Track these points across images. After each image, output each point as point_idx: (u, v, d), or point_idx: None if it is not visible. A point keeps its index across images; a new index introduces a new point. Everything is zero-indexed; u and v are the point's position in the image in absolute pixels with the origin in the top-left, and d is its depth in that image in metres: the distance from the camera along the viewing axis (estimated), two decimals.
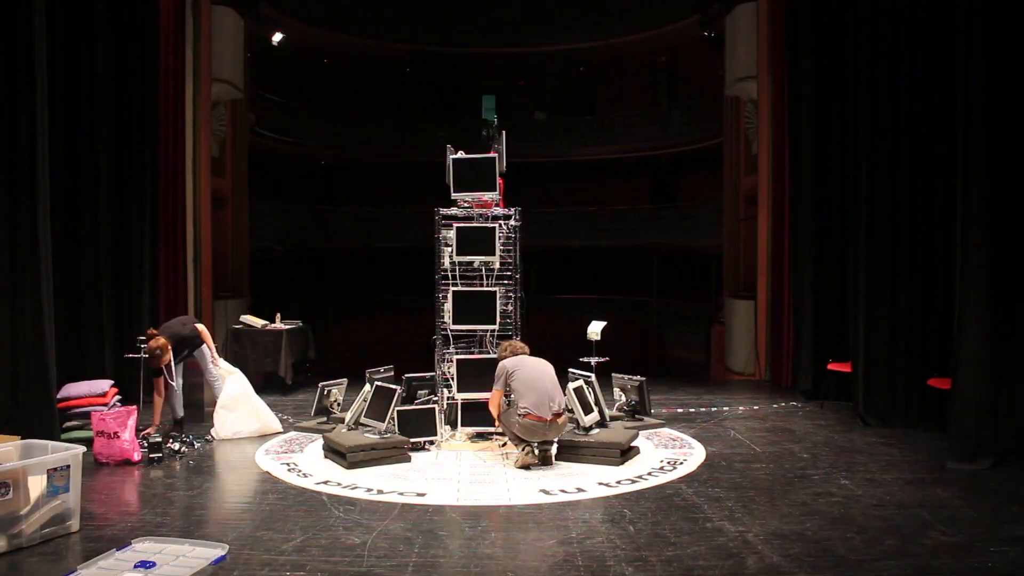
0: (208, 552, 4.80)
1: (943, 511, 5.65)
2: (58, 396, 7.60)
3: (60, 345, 8.84)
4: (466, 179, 7.92)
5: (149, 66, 10.73)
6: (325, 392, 8.40)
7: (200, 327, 8.43)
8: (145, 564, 4.59)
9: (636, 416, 8.51)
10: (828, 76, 10.15)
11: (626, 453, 7.13)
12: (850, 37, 9.48)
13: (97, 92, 9.64)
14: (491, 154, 7.99)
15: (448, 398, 7.85)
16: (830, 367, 9.65)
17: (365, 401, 7.58)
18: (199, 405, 9.11)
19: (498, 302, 7.78)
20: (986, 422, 6.92)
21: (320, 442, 7.59)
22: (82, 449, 5.43)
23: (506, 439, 7.41)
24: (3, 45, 7.66)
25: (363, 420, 7.52)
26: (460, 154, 7.95)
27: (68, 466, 5.26)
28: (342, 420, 7.81)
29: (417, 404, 8.05)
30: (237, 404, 8.15)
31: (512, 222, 7.95)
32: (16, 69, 7.70)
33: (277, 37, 17.58)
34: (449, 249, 7.86)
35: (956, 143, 7.29)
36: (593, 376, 8.02)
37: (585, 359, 9.07)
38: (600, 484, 6.42)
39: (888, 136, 8.59)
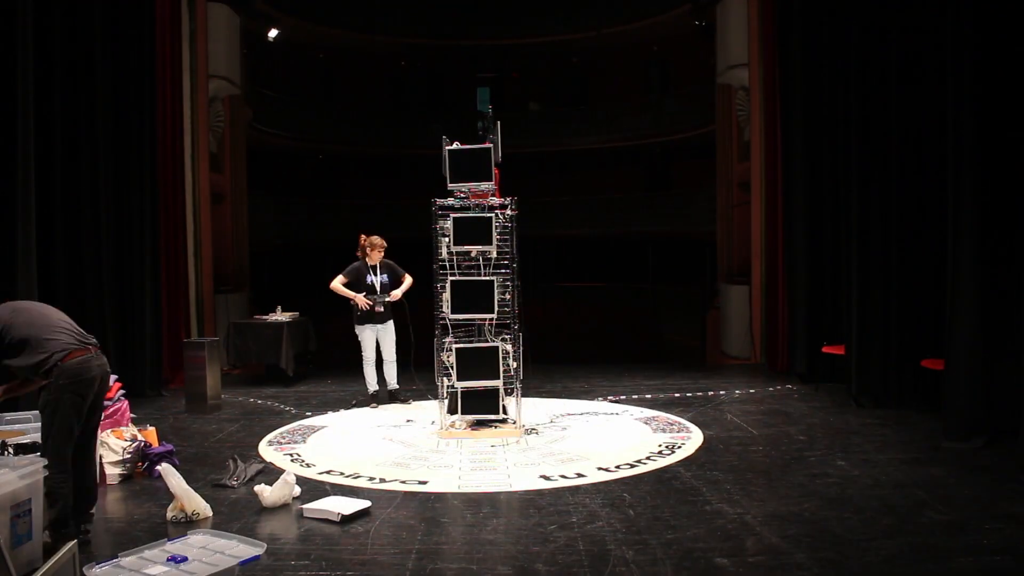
0: (245, 550, 4.77)
1: (938, 490, 5.72)
2: None
3: None
4: (462, 170, 7.96)
5: (146, 63, 10.76)
6: None
7: None
8: (175, 559, 4.61)
9: None
10: (819, 62, 10.17)
11: None
12: (840, 22, 9.52)
13: (95, 89, 9.67)
14: (486, 145, 8.04)
15: (448, 387, 7.92)
16: (825, 350, 9.72)
17: None
18: (202, 398, 9.21)
19: (495, 291, 7.83)
20: (979, 401, 7.00)
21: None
22: (42, 474, 4.70)
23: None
24: None
25: None
26: (456, 145, 8.00)
27: (29, 508, 4.60)
28: None
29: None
30: None
31: (508, 211, 8.00)
32: (7, 66, 7.81)
33: (273, 33, 17.58)
34: (446, 239, 7.91)
35: (947, 126, 7.35)
36: None
37: None
38: (599, 469, 6.50)
39: (879, 120, 8.65)
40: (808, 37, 10.43)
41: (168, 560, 4.59)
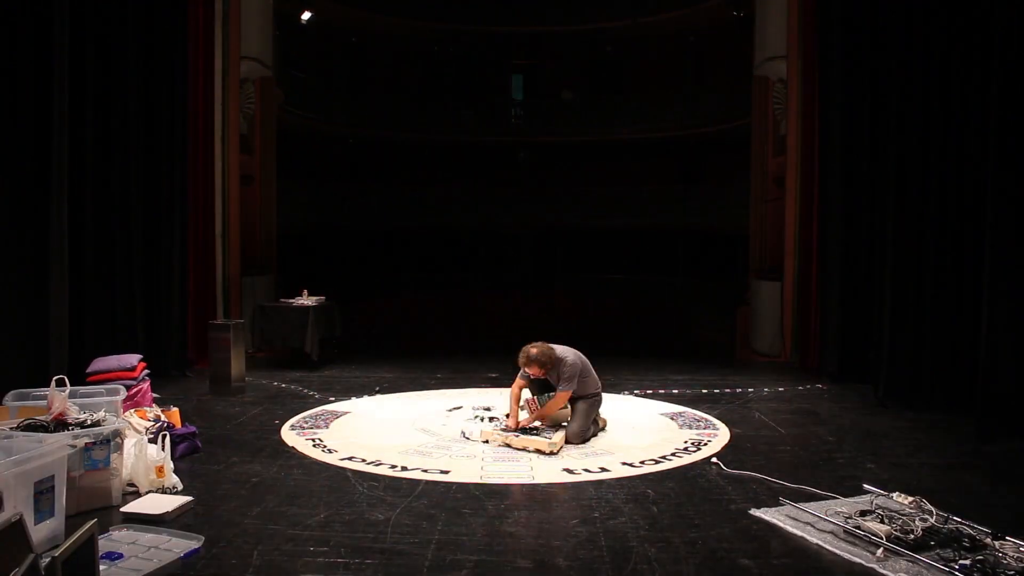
0: (183, 544, 4.61)
1: (971, 496, 5.59)
2: (89, 370, 7.68)
3: (92, 319, 9.02)
4: None
5: (179, 43, 10.79)
6: None
7: None
8: (111, 555, 4.42)
9: None
10: (859, 57, 9.99)
11: None
12: (882, 15, 9.35)
13: (128, 69, 9.69)
14: None
15: None
16: None
17: None
18: (227, 380, 9.21)
19: None
20: (1017, 405, 6.85)
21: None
22: (67, 451, 4.80)
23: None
24: (29, 24, 7.78)
25: None
26: None
27: (52, 485, 4.63)
28: None
29: None
30: None
31: None
32: (43, 44, 7.82)
33: (306, 15, 17.58)
34: None
35: (989, 124, 7.19)
36: None
37: None
38: (624, 464, 6.42)
39: (919, 118, 8.49)
40: (849, 30, 10.23)
41: (103, 557, 4.34)
